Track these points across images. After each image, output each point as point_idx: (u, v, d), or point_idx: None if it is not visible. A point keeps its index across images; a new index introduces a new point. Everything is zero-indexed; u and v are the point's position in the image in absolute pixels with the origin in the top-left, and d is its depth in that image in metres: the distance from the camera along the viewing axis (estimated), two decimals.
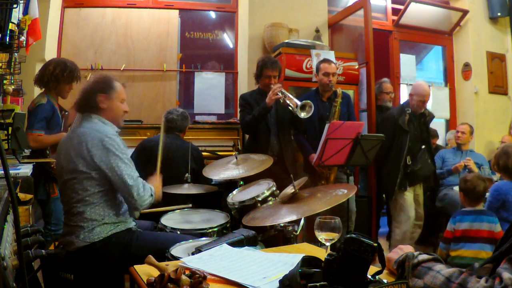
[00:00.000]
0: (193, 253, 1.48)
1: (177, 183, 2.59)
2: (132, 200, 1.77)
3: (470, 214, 2.57)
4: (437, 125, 4.63)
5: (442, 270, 1.01)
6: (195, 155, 2.93)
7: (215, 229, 2.10)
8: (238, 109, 3.39)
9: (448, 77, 5.25)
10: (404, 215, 3.46)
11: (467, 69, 5.00)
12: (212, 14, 4.71)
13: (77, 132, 1.84)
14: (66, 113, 2.88)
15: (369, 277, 1.07)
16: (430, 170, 3.52)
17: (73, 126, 2.77)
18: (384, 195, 3.71)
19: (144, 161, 2.74)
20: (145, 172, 2.10)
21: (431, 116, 3.59)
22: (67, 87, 2.76)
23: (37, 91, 3.49)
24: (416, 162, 3.41)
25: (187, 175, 2.64)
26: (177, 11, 4.35)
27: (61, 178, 1.85)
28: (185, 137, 3.15)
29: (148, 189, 1.83)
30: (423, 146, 3.47)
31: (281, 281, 1.09)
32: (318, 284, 1.00)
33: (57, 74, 2.67)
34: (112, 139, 1.80)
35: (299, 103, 2.81)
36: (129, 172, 1.78)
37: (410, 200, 3.47)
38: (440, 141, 4.71)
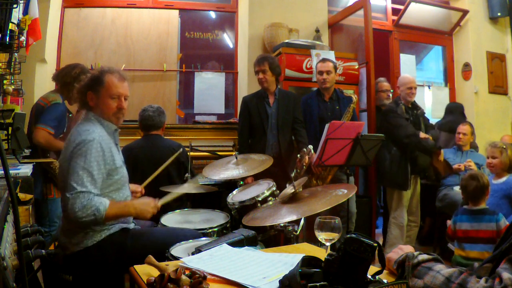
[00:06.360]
0: (193, 253, 1.48)
1: (168, 183, 2.59)
2: (65, 209, 1.61)
3: (468, 213, 2.55)
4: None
5: (442, 270, 1.01)
6: (181, 151, 2.91)
7: (215, 229, 2.10)
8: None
9: (448, 77, 5.25)
10: (401, 208, 3.54)
11: (467, 69, 5.00)
12: (212, 14, 4.72)
13: (71, 132, 1.80)
14: (71, 115, 2.89)
15: (369, 277, 1.07)
16: (427, 160, 3.59)
17: None
18: (386, 190, 3.73)
19: (130, 169, 2.67)
20: (133, 180, 2.06)
21: (422, 110, 3.69)
22: None
23: (37, 91, 3.51)
24: (414, 151, 3.51)
25: (187, 175, 2.64)
26: (177, 11, 4.35)
27: (58, 177, 1.84)
28: (185, 137, 3.15)
29: (91, 209, 1.61)
30: None
31: (281, 281, 1.09)
32: (318, 284, 1.00)
33: (81, 81, 2.68)
34: (87, 145, 1.68)
35: None
36: (74, 184, 1.61)
37: (409, 192, 3.55)
38: None
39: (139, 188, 2.10)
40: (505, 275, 0.90)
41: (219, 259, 1.36)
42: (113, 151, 1.80)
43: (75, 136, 1.73)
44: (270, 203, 2.20)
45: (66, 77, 2.69)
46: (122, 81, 1.85)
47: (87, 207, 1.60)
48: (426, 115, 3.78)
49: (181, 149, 2.68)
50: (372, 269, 1.13)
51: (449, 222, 2.67)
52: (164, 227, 2.09)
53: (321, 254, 1.21)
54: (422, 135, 3.47)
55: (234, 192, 2.53)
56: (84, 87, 1.85)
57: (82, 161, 1.66)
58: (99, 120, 1.83)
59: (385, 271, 1.20)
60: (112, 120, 1.85)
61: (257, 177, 2.65)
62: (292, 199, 1.86)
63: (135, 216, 1.83)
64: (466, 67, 5.00)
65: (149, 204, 1.80)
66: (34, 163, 2.47)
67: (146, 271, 1.28)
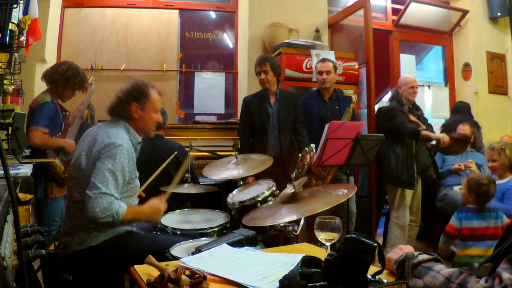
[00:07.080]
0: (193, 253, 1.48)
1: (168, 183, 2.58)
2: (87, 207, 1.63)
3: (474, 211, 2.54)
4: (437, 125, 4.62)
5: (442, 270, 1.01)
6: (181, 153, 2.91)
7: (215, 229, 2.09)
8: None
9: (448, 77, 5.25)
10: (403, 207, 3.52)
11: (467, 69, 5.00)
12: (212, 14, 4.72)
13: (96, 132, 1.81)
14: (67, 113, 2.88)
15: (369, 277, 1.07)
16: (428, 160, 3.57)
17: (72, 128, 2.77)
18: (388, 190, 3.72)
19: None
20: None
21: (421, 110, 3.69)
22: (70, 93, 2.76)
23: (37, 91, 3.50)
24: (416, 150, 3.50)
25: (187, 174, 2.64)
26: (177, 11, 4.36)
27: (70, 174, 1.84)
28: (185, 137, 3.14)
29: (112, 211, 1.63)
30: None
31: (281, 281, 1.09)
32: (318, 284, 1.00)
33: (68, 77, 2.67)
34: (116, 149, 1.71)
35: None
36: (99, 184, 1.63)
37: (411, 192, 3.55)
38: None
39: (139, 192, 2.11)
40: (505, 275, 0.90)
41: (219, 259, 1.36)
42: (134, 161, 1.85)
43: (103, 137, 1.75)
44: (270, 203, 2.20)
45: (53, 74, 2.68)
46: (160, 96, 1.96)
47: (108, 209, 1.62)
48: (426, 115, 3.78)
49: (176, 152, 2.68)
50: (372, 269, 1.13)
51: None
52: (167, 234, 2.09)
53: (321, 254, 1.21)
54: (412, 118, 3.47)
55: (234, 192, 2.53)
56: (129, 96, 1.85)
57: (110, 163, 1.68)
58: (128, 129, 1.87)
59: (385, 271, 1.20)
60: (149, 131, 1.96)
61: (258, 177, 2.66)
62: (292, 199, 1.86)
63: (144, 221, 1.89)
64: (466, 67, 5.00)
65: (158, 212, 1.85)
66: (34, 163, 2.47)
67: (146, 271, 1.28)
